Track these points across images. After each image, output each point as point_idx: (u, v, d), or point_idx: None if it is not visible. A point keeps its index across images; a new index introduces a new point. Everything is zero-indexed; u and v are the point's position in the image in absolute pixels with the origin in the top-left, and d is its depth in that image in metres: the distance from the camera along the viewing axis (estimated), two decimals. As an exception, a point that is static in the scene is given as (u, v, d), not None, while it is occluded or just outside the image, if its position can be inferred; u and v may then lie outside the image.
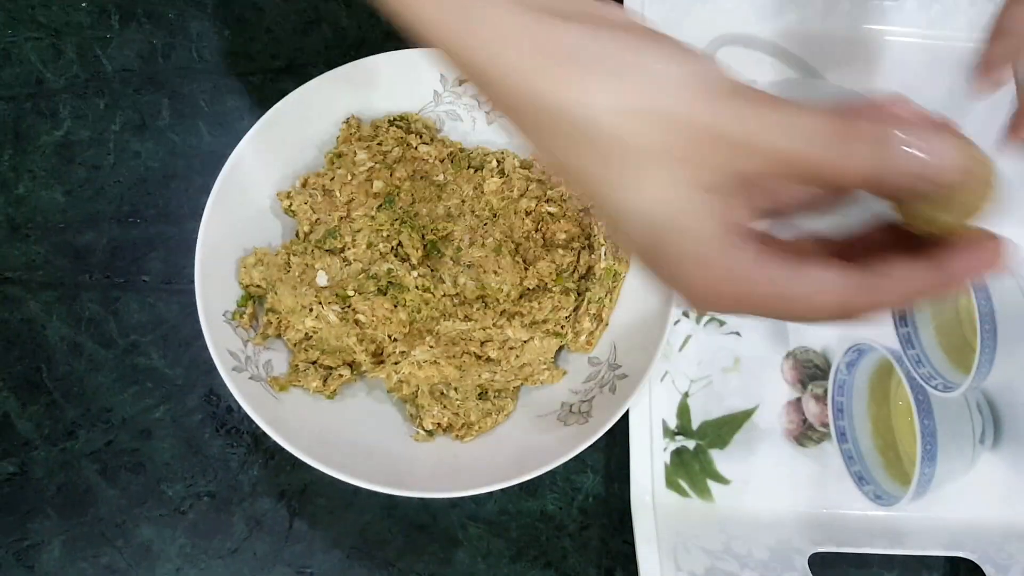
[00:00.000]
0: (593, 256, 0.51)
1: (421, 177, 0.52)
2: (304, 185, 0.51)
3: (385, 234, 0.50)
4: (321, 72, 0.49)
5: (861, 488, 0.50)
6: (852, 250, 0.29)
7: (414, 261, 0.49)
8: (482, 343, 0.48)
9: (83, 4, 0.58)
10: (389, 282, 0.48)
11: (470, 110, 0.53)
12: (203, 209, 0.47)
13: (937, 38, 0.61)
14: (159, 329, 0.52)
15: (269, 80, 0.57)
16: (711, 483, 0.50)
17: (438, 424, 0.47)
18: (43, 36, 0.58)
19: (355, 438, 0.46)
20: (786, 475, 0.50)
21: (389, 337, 0.48)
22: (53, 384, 0.50)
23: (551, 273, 0.50)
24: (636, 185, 0.26)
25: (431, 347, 0.47)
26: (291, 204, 0.50)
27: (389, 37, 0.59)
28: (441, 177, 0.52)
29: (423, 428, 0.47)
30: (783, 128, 0.25)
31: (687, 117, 0.25)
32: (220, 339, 0.45)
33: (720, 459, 0.50)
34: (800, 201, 0.29)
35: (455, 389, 0.48)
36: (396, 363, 0.47)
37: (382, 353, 0.48)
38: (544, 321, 0.49)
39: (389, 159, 0.51)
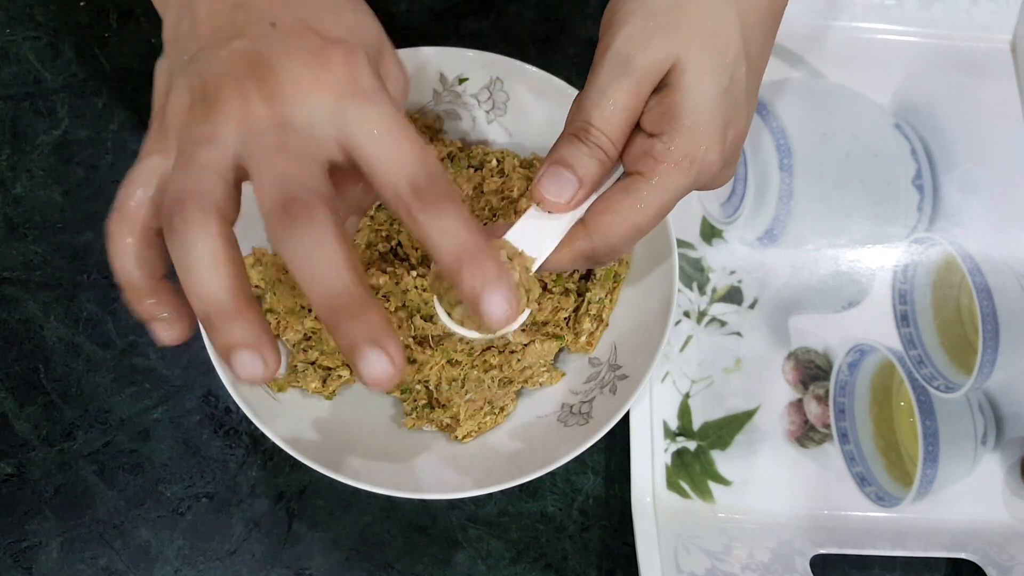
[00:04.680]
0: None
1: (421, 177, 0.51)
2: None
3: (384, 234, 0.49)
4: (320, 71, 0.49)
5: (863, 489, 0.50)
6: None
7: (413, 261, 0.49)
8: (483, 348, 0.48)
9: (81, 3, 0.58)
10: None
11: (470, 109, 0.53)
12: (202, 209, 0.46)
13: (938, 37, 0.61)
14: (157, 329, 0.51)
15: (268, 79, 0.56)
16: (712, 484, 0.50)
17: (445, 422, 0.47)
18: (41, 35, 0.57)
19: (354, 439, 0.46)
20: (787, 476, 0.50)
21: None
22: (51, 385, 0.50)
23: (551, 274, 0.50)
24: None
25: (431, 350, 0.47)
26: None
27: (388, 36, 0.59)
28: (441, 177, 0.51)
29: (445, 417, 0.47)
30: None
31: None
32: (219, 339, 0.45)
33: (721, 460, 0.50)
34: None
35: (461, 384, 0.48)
36: None
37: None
38: (544, 323, 0.49)
39: (388, 159, 0.51)
